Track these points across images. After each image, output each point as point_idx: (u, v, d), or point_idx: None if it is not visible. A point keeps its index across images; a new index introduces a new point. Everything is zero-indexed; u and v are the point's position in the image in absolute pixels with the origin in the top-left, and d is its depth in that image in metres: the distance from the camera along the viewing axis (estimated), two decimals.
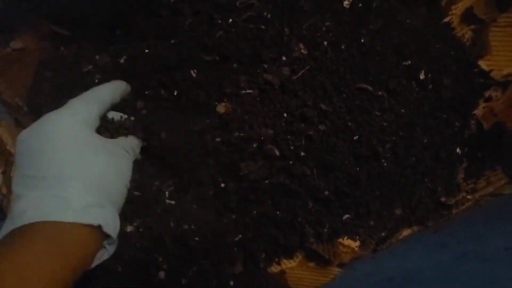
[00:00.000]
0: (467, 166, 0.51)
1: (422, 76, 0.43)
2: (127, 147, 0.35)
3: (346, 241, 0.46)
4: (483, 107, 0.50)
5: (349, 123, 0.42)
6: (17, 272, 0.24)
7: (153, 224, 0.41)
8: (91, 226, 0.28)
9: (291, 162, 0.42)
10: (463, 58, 0.48)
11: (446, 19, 0.49)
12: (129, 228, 0.41)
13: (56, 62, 0.48)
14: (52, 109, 0.46)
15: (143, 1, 0.48)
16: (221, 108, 0.41)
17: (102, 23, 0.49)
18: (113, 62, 0.48)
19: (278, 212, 0.44)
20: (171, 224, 0.41)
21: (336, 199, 0.44)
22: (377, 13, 0.44)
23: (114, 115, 0.39)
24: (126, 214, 0.40)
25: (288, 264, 0.47)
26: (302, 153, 0.41)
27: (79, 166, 0.29)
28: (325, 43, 0.43)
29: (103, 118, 0.37)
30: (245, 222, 0.43)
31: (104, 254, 0.31)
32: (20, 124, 0.46)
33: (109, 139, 0.35)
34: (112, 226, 0.30)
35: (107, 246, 0.31)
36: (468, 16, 0.48)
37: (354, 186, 0.44)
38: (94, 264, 0.30)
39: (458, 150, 0.50)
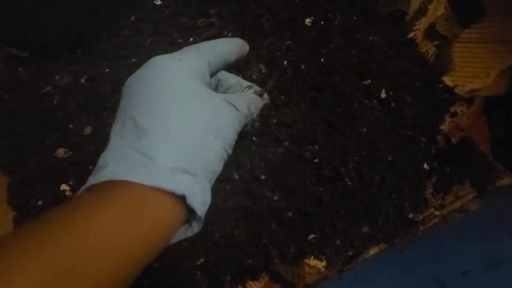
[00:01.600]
0: (436, 181, 0.51)
1: (383, 95, 0.43)
2: (238, 103, 0.29)
3: (312, 261, 0.46)
4: (449, 123, 0.50)
5: (310, 145, 0.41)
6: (80, 240, 0.20)
7: None
8: (174, 195, 0.23)
9: (251, 185, 0.41)
10: (427, 75, 0.47)
11: (410, 35, 0.49)
12: None
13: (14, 84, 0.46)
14: (9, 132, 0.45)
15: (104, 21, 0.47)
16: None
17: (62, 44, 0.48)
18: (73, 82, 0.47)
19: (242, 234, 0.43)
20: None
21: (300, 219, 0.44)
22: (338, 32, 0.44)
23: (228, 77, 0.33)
24: None
25: (253, 286, 0.46)
26: (263, 176, 0.41)
27: (175, 121, 0.25)
28: (285, 62, 0.42)
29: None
30: (207, 246, 0.42)
31: (188, 231, 0.26)
32: None
33: (217, 93, 0.29)
34: (200, 200, 0.25)
35: (192, 222, 0.26)
36: (431, 32, 0.48)
37: (318, 206, 0.44)
38: (174, 240, 0.25)
39: (425, 165, 0.50)
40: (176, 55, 0.28)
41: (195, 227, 0.26)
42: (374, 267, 0.42)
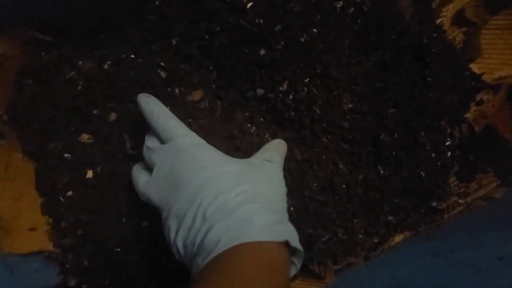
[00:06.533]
0: (459, 169, 0.51)
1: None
2: (272, 158, 0.35)
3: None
4: (475, 111, 0.50)
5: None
6: None
7: None
8: (279, 243, 0.27)
9: None
10: (454, 62, 0.47)
11: (437, 21, 0.48)
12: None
13: (37, 69, 0.46)
14: (33, 118, 0.44)
15: (128, 5, 0.46)
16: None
17: (86, 28, 0.47)
18: (97, 67, 0.46)
19: None
20: None
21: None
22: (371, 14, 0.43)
23: None
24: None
25: None
26: None
27: (250, 190, 0.30)
28: None
29: None
30: None
31: (292, 270, 0.30)
32: (0, 134, 0.44)
33: (249, 159, 0.35)
34: (296, 239, 0.29)
35: (295, 260, 0.30)
36: (459, 19, 0.48)
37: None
38: None
39: (449, 154, 0.50)
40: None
41: (298, 264, 0.30)
42: (402, 254, 0.42)
